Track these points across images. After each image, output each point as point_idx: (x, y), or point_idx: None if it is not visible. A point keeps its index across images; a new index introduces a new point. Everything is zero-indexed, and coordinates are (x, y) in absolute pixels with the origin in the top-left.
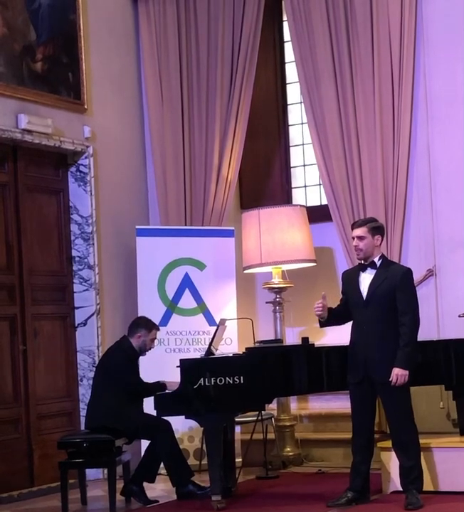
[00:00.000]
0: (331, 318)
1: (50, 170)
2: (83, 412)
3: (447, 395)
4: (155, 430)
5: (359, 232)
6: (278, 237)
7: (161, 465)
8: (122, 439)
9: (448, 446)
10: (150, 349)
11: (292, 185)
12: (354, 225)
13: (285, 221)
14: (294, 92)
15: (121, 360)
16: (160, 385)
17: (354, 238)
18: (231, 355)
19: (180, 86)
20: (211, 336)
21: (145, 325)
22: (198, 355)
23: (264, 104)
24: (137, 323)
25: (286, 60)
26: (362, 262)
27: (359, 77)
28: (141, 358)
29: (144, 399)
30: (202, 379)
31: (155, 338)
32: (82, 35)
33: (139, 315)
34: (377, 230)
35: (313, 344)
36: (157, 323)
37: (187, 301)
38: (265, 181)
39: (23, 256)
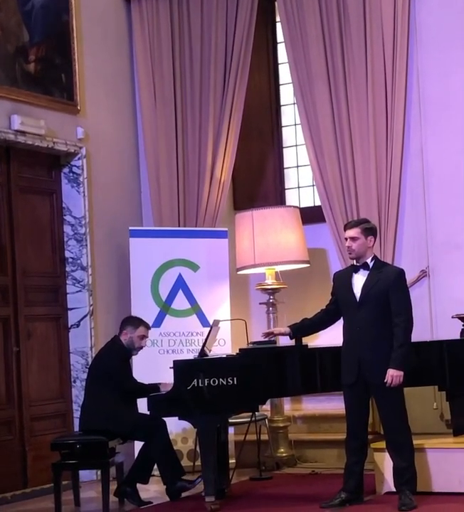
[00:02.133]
0: (303, 331)
1: (43, 171)
2: (76, 414)
3: (441, 395)
4: (150, 430)
5: (351, 232)
6: (272, 238)
7: (155, 466)
8: (115, 441)
9: (442, 447)
10: (140, 348)
11: (286, 187)
12: (347, 226)
13: (279, 222)
14: (287, 94)
15: (113, 361)
16: (154, 387)
17: (346, 239)
18: (225, 356)
19: (173, 87)
20: (205, 337)
21: (132, 322)
22: (191, 356)
23: (257, 106)
24: (125, 321)
25: (279, 62)
26: (355, 262)
27: (352, 79)
28: (134, 359)
29: (138, 400)
30: (195, 380)
31: (144, 336)
32: (75, 36)
33: None
34: (370, 230)
35: (306, 345)
36: (150, 325)
37: (180, 302)
38: (258, 182)
39: (16, 257)
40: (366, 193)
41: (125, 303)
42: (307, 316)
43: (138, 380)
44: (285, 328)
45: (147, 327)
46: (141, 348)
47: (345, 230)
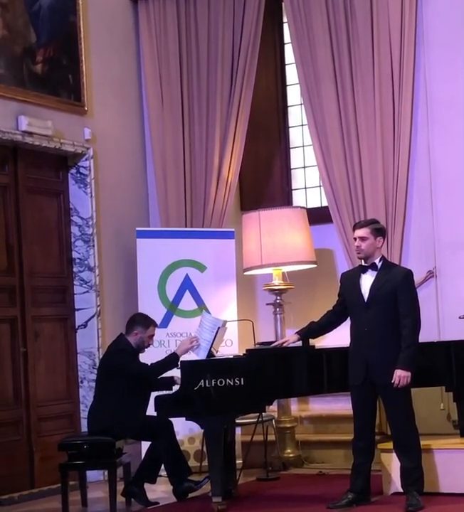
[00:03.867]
0: (311, 335)
1: (51, 172)
2: (83, 414)
3: (448, 396)
4: (157, 430)
5: (361, 232)
6: (278, 239)
7: (162, 467)
8: (122, 441)
9: (449, 448)
10: (148, 346)
11: (293, 187)
12: (357, 226)
13: (286, 223)
14: (294, 94)
15: (123, 359)
16: (172, 357)
17: (355, 239)
18: (232, 356)
19: (180, 87)
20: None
21: (142, 322)
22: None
23: (264, 106)
24: (134, 320)
25: (286, 62)
26: (362, 263)
27: (359, 79)
28: (141, 360)
29: (152, 394)
30: (202, 381)
31: (153, 335)
32: (82, 37)
33: None
34: (379, 231)
35: (313, 346)
36: (158, 325)
37: (187, 302)
38: (265, 183)
39: (24, 258)
40: (373, 194)
41: (132, 303)
42: (314, 317)
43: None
44: (294, 337)
45: (156, 326)
46: (149, 346)
47: (354, 230)
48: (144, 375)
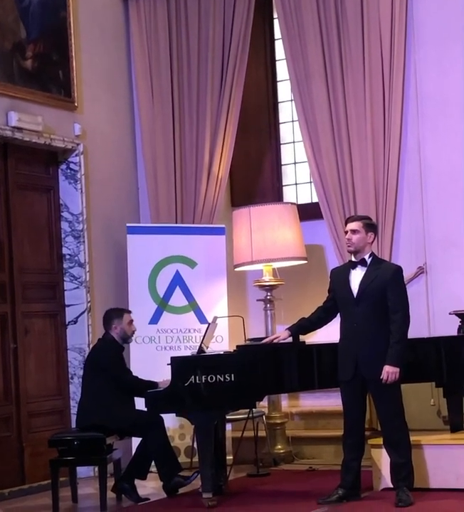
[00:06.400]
0: (301, 331)
1: (41, 167)
2: (74, 410)
3: (438, 392)
4: (147, 426)
5: (353, 225)
6: (269, 235)
7: (153, 463)
8: (112, 437)
9: (439, 444)
10: (133, 332)
11: (283, 183)
12: (349, 219)
13: (276, 219)
14: (285, 90)
15: (109, 358)
16: (152, 384)
17: (346, 232)
18: (222, 352)
19: (171, 83)
20: (203, 334)
21: (115, 314)
22: (189, 352)
23: (255, 102)
24: (108, 316)
25: (277, 58)
26: (352, 258)
27: (349, 75)
28: (132, 356)
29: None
30: (193, 377)
31: (132, 321)
32: (72, 32)
33: None
34: (371, 227)
35: (304, 342)
36: (148, 321)
37: (178, 298)
38: (256, 179)
39: (14, 254)
40: (363, 190)
41: (123, 299)
42: (304, 313)
43: (135, 375)
44: (284, 333)
45: (130, 312)
46: (134, 332)
47: (346, 223)
48: (122, 386)
